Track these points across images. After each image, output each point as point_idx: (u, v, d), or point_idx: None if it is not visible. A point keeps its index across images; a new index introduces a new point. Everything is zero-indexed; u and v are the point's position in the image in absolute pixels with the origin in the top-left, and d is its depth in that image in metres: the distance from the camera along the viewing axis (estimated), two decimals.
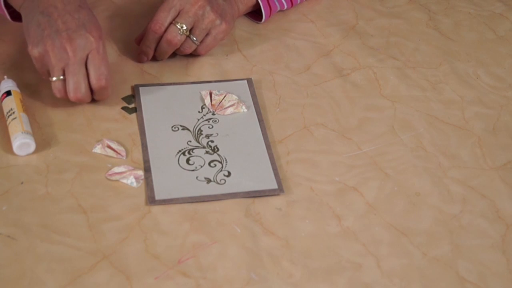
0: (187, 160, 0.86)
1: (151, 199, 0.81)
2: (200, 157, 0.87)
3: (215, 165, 0.86)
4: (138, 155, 0.86)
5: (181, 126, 0.90)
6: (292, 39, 1.07)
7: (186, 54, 0.99)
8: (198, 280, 0.74)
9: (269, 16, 1.07)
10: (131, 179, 0.83)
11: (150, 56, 0.98)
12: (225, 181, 0.84)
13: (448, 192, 0.86)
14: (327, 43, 1.07)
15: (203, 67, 1.00)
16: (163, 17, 0.95)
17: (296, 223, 0.81)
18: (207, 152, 0.87)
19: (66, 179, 0.82)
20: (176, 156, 0.86)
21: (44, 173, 0.83)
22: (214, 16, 0.96)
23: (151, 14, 0.97)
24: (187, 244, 0.77)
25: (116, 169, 0.84)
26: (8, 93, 0.88)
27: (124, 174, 0.83)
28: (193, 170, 0.85)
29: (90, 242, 0.76)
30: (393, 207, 0.83)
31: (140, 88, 0.95)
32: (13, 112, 0.86)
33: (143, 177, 0.84)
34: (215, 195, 0.82)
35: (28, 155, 0.84)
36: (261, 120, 0.92)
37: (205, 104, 0.94)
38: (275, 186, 0.84)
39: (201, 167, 0.85)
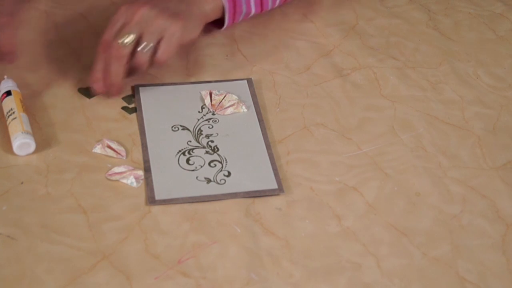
0: (187, 160, 0.86)
1: (151, 199, 0.81)
2: (200, 157, 0.87)
3: (215, 165, 0.86)
4: (138, 155, 0.86)
5: (181, 126, 0.90)
6: (292, 39, 1.07)
7: (146, 67, 0.91)
8: (198, 280, 0.74)
9: (233, 21, 1.00)
10: (131, 179, 0.83)
11: (100, 81, 0.90)
12: (225, 181, 0.84)
13: (448, 192, 0.86)
14: (327, 43, 1.07)
15: (203, 67, 1.00)
16: (109, 36, 0.88)
17: (296, 223, 0.81)
18: (207, 152, 0.87)
19: (66, 179, 0.83)
20: (176, 156, 0.86)
21: (44, 173, 0.83)
22: (162, 18, 0.88)
23: None
24: (187, 244, 0.77)
25: (116, 169, 0.84)
26: (8, 93, 0.88)
27: (124, 174, 0.83)
28: (193, 170, 0.85)
29: (90, 242, 0.76)
30: (393, 207, 0.83)
31: (140, 88, 0.95)
32: (13, 112, 0.86)
33: (143, 177, 0.84)
34: (215, 195, 0.82)
35: (28, 155, 0.84)
36: (261, 120, 0.92)
37: (205, 104, 0.94)
38: (275, 186, 0.84)
39: (201, 167, 0.85)
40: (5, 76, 0.90)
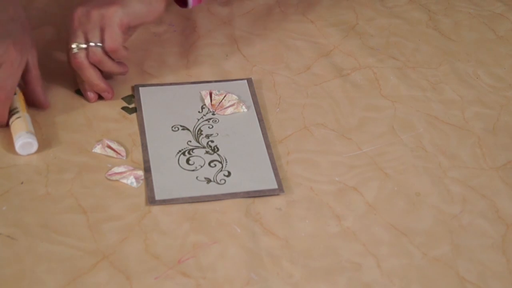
0: (187, 160, 0.86)
1: (151, 199, 0.81)
2: (200, 157, 0.87)
3: (215, 165, 0.86)
4: (138, 155, 0.86)
5: (181, 126, 0.90)
6: (292, 39, 1.07)
7: (115, 66, 0.91)
8: (198, 280, 0.74)
9: (197, 2, 0.97)
10: (131, 179, 0.83)
11: (90, 91, 0.92)
12: (225, 181, 0.84)
13: (448, 192, 0.86)
14: (327, 43, 1.07)
15: (203, 67, 1.00)
16: (67, 49, 0.89)
17: (296, 223, 0.81)
18: (207, 152, 0.87)
19: (66, 179, 0.83)
20: (176, 156, 0.86)
21: (44, 173, 0.83)
22: (95, 10, 0.87)
23: None
24: (187, 244, 0.77)
25: (116, 169, 0.84)
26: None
27: (124, 174, 0.83)
28: (193, 170, 0.85)
29: (90, 242, 0.76)
30: (393, 207, 0.83)
31: (140, 88, 0.95)
32: (18, 111, 0.86)
33: (143, 177, 0.84)
34: (215, 195, 0.82)
35: (29, 155, 0.84)
36: (261, 120, 0.92)
37: (205, 104, 0.94)
38: (275, 186, 0.84)
39: (201, 167, 0.85)
40: None
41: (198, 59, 1.01)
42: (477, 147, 0.92)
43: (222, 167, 0.86)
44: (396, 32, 1.10)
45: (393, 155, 0.90)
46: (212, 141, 0.89)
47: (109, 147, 0.86)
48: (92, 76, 0.89)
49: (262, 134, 0.90)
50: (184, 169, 0.85)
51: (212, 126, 0.91)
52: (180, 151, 0.87)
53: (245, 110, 0.93)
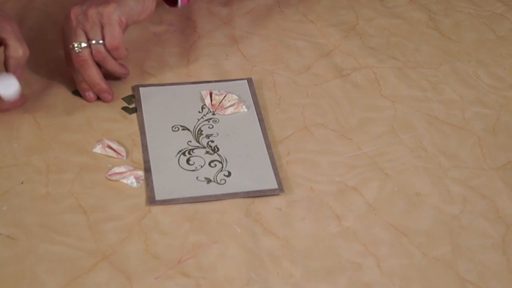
0: (187, 160, 0.86)
1: (151, 200, 0.81)
2: (200, 157, 0.87)
3: (215, 165, 0.86)
4: (138, 155, 0.86)
5: (181, 126, 0.90)
6: (292, 39, 1.07)
7: (116, 65, 0.92)
8: (198, 280, 0.74)
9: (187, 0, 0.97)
10: (131, 179, 0.83)
11: (89, 91, 0.92)
12: (225, 181, 0.84)
13: (448, 192, 0.86)
14: (327, 43, 1.07)
15: (203, 67, 1.00)
16: (66, 47, 0.89)
17: (296, 223, 0.81)
18: (207, 152, 0.87)
19: (66, 179, 0.83)
20: (176, 156, 0.86)
21: (44, 173, 0.83)
22: (93, 8, 0.87)
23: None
24: (187, 244, 0.77)
25: (116, 169, 0.84)
26: None
27: (124, 174, 0.83)
28: (193, 170, 0.85)
29: (90, 242, 0.76)
30: (393, 207, 0.83)
31: (140, 88, 0.95)
32: None
33: (143, 177, 0.84)
34: (215, 195, 0.82)
35: (13, 97, 0.83)
36: (261, 120, 0.92)
37: (205, 104, 0.94)
38: (275, 186, 0.84)
39: (201, 167, 0.85)
40: None
41: (198, 59, 1.01)
42: (477, 147, 0.92)
43: (222, 167, 0.86)
44: (396, 32, 1.10)
45: (393, 155, 0.90)
46: (212, 141, 0.89)
47: (109, 147, 0.86)
48: (94, 75, 0.89)
49: (262, 134, 0.90)
50: (184, 169, 0.85)
51: (212, 126, 0.91)
52: (180, 151, 0.87)
53: (245, 110, 0.93)
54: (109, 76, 0.93)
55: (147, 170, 0.84)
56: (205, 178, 0.84)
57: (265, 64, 1.02)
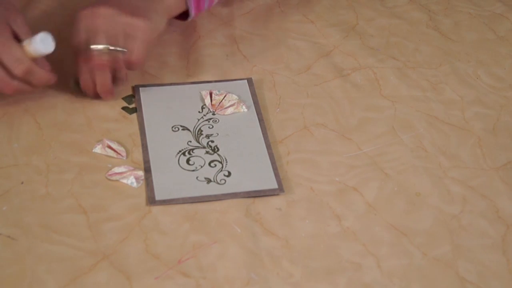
0: (187, 160, 0.86)
1: (151, 200, 0.81)
2: (200, 157, 0.87)
3: (215, 165, 0.86)
4: (138, 155, 0.86)
5: (181, 126, 0.90)
6: (292, 39, 1.07)
7: (123, 73, 0.91)
8: (198, 280, 0.74)
9: (198, 11, 0.97)
10: (131, 179, 0.83)
11: (92, 89, 0.91)
12: (225, 181, 0.84)
13: (448, 192, 0.86)
14: (327, 43, 1.07)
15: (203, 67, 1.00)
16: (80, 44, 0.86)
17: (296, 223, 0.81)
18: (207, 152, 0.87)
19: (66, 179, 0.83)
20: (176, 156, 0.86)
21: (44, 173, 0.83)
22: (124, 16, 0.86)
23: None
24: (187, 244, 0.77)
25: (116, 169, 0.84)
26: None
27: (124, 174, 0.83)
28: (193, 170, 0.85)
29: (90, 242, 0.76)
30: (393, 207, 0.83)
31: (140, 88, 0.95)
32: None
33: (143, 177, 0.84)
34: (215, 195, 0.82)
35: (46, 53, 0.83)
36: (261, 120, 0.92)
37: (205, 104, 0.94)
38: (275, 186, 0.84)
39: (201, 167, 0.85)
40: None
41: (198, 59, 1.01)
42: (477, 147, 0.92)
43: (222, 167, 0.86)
44: (396, 32, 1.10)
45: (393, 155, 0.90)
46: (212, 141, 0.89)
47: (109, 147, 0.86)
48: (107, 79, 0.89)
49: (262, 134, 0.90)
50: (184, 169, 0.85)
51: (212, 126, 0.91)
52: (180, 151, 0.87)
53: (245, 110, 0.93)
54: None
55: (147, 170, 0.84)
56: (205, 178, 0.84)
57: (265, 64, 1.02)
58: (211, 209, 0.81)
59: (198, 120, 0.91)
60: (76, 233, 0.77)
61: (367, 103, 0.97)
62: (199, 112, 0.93)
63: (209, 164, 0.86)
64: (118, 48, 0.86)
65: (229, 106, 0.93)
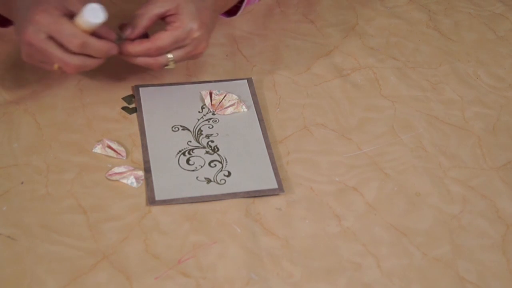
0: (187, 160, 0.86)
1: (151, 200, 0.81)
2: (200, 157, 0.87)
3: (215, 165, 0.86)
4: (138, 155, 0.86)
5: (181, 126, 0.90)
6: (292, 39, 1.07)
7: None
8: (198, 280, 0.74)
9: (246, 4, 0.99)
10: (131, 179, 0.83)
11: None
12: (225, 181, 0.84)
13: (448, 192, 0.86)
14: (327, 43, 1.07)
15: (203, 67, 1.00)
16: (165, 43, 0.86)
17: (296, 223, 0.81)
18: (207, 152, 0.87)
19: (66, 179, 0.83)
20: (176, 156, 0.86)
21: (44, 173, 0.83)
22: (205, 42, 0.89)
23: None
24: (187, 244, 0.77)
25: (116, 169, 0.84)
26: None
27: (124, 174, 0.83)
28: (193, 170, 0.85)
29: (90, 242, 0.76)
30: (393, 207, 0.84)
31: (140, 88, 0.95)
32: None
33: (143, 177, 0.84)
34: (215, 195, 0.82)
35: (96, 24, 0.81)
36: (261, 120, 0.92)
37: (205, 104, 0.94)
38: (275, 186, 0.84)
39: (201, 167, 0.85)
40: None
41: (198, 59, 1.01)
42: (477, 147, 0.92)
43: (222, 167, 0.86)
44: (396, 32, 1.10)
45: (393, 155, 0.90)
46: (212, 141, 0.89)
47: (109, 147, 0.86)
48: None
49: (262, 134, 0.90)
50: (184, 169, 0.85)
51: (212, 126, 0.91)
52: (180, 151, 0.87)
53: (245, 110, 0.93)
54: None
55: (147, 170, 0.84)
56: (205, 178, 0.84)
57: (265, 64, 1.02)
58: (211, 209, 0.81)
59: (198, 120, 0.91)
60: (76, 233, 0.77)
61: (367, 103, 0.97)
62: (199, 112, 0.93)
63: (209, 164, 0.86)
64: (171, 57, 0.88)
65: (229, 106, 0.93)
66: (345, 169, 0.87)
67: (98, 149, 0.86)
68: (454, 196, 0.85)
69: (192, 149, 0.87)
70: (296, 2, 1.14)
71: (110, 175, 0.83)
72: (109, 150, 0.86)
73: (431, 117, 0.96)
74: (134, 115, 0.92)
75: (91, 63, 0.84)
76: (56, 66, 0.83)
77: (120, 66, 0.98)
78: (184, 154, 0.87)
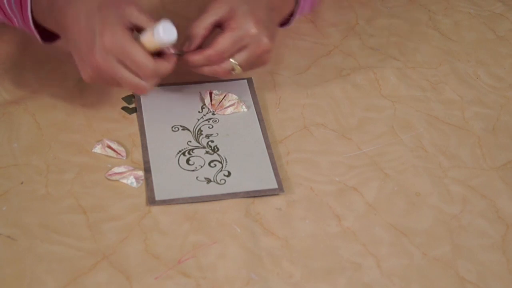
0: (187, 161, 0.86)
1: (151, 200, 0.81)
2: (200, 157, 0.87)
3: (215, 165, 0.86)
4: (138, 155, 0.86)
5: (181, 126, 0.90)
6: (292, 39, 1.07)
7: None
8: (198, 280, 0.74)
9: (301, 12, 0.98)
10: (131, 179, 0.83)
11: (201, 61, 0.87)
12: (225, 181, 0.84)
13: (448, 192, 0.86)
14: (327, 43, 1.07)
15: None
16: (226, 47, 0.85)
17: (296, 223, 0.81)
18: (207, 152, 0.87)
19: (66, 179, 0.83)
20: (176, 156, 0.86)
21: (44, 173, 0.83)
22: (268, 48, 0.87)
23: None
24: (187, 244, 0.77)
25: (116, 169, 0.84)
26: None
27: (124, 174, 0.83)
28: (193, 170, 0.85)
29: (90, 242, 0.76)
30: (393, 207, 0.83)
31: None
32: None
33: (143, 177, 0.84)
34: (215, 195, 0.82)
35: (170, 43, 0.81)
36: (261, 120, 0.92)
37: (205, 104, 0.94)
38: (275, 186, 0.84)
39: (201, 167, 0.85)
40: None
41: None
42: (477, 147, 0.92)
43: (222, 167, 0.86)
44: (396, 32, 1.10)
45: (393, 155, 0.90)
46: (212, 141, 0.89)
47: (109, 147, 0.86)
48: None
49: (262, 134, 0.90)
50: (184, 169, 0.85)
51: (212, 126, 0.91)
52: (180, 151, 0.87)
53: (245, 110, 0.93)
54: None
55: (147, 170, 0.84)
56: (205, 178, 0.84)
57: None
58: (211, 209, 0.81)
59: (198, 120, 0.91)
60: (76, 233, 0.77)
61: (367, 103, 0.97)
62: (199, 112, 0.93)
63: (209, 164, 0.86)
64: (237, 64, 0.87)
65: (229, 106, 0.93)
66: (345, 169, 0.87)
67: (98, 149, 0.86)
68: (454, 196, 0.85)
69: (192, 149, 0.87)
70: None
71: (110, 175, 0.83)
72: (109, 150, 0.86)
73: (431, 117, 0.96)
74: (134, 115, 0.92)
75: (158, 80, 0.85)
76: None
77: None
78: (184, 154, 0.87)
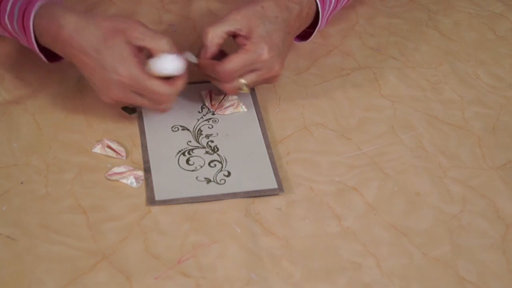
0: (187, 161, 0.86)
1: (151, 200, 0.81)
2: (200, 157, 0.87)
3: (215, 165, 0.86)
4: (138, 155, 0.86)
5: (181, 126, 0.90)
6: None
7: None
8: (198, 280, 0.74)
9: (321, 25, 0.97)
10: (131, 179, 0.83)
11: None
12: (225, 181, 0.84)
13: (448, 192, 0.86)
14: (327, 43, 1.07)
15: None
16: (237, 71, 0.86)
17: (296, 223, 0.81)
18: (207, 152, 0.87)
19: (66, 179, 0.83)
20: (176, 156, 0.86)
21: (44, 173, 0.83)
22: (279, 71, 0.88)
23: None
24: (187, 244, 0.77)
25: (116, 169, 0.84)
26: None
27: (124, 174, 0.83)
28: (193, 171, 0.85)
29: (90, 242, 0.76)
30: (393, 207, 0.83)
31: None
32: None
33: (143, 177, 0.84)
34: (215, 195, 0.82)
35: (177, 74, 0.83)
36: (261, 120, 0.92)
37: (205, 104, 0.94)
38: (275, 186, 0.84)
39: (201, 167, 0.85)
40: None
41: None
42: (477, 147, 0.92)
43: (222, 167, 0.86)
44: (396, 32, 1.10)
45: (393, 155, 0.90)
46: (212, 141, 0.89)
47: (109, 147, 0.86)
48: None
49: (262, 134, 0.90)
50: (184, 169, 0.85)
51: (212, 126, 0.91)
52: (180, 151, 0.87)
53: (245, 110, 0.93)
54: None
55: (147, 170, 0.84)
56: (205, 178, 0.84)
57: None
58: (210, 209, 0.81)
59: (198, 120, 0.91)
60: (76, 233, 0.77)
61: (366, 103, 0.97)
62: (198, 112, 0.93)
63: (209, 164, 0.86)
64: (245, 84, 0.88)
65: (228, 106, 0.93)
66: (345, 169, 0.87)
67: (98, 149, 0.86)
68: (454, 196, 0.85)
69: (192, 149, 0.87)
70: None
71: (110, 175, 0.83)
72: (109, 150, 0.86)
73: (431, 117, 0.96)
74: (134, 115, 0.92)
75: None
76: None
77: None
78: (184, 154, 0.87)
